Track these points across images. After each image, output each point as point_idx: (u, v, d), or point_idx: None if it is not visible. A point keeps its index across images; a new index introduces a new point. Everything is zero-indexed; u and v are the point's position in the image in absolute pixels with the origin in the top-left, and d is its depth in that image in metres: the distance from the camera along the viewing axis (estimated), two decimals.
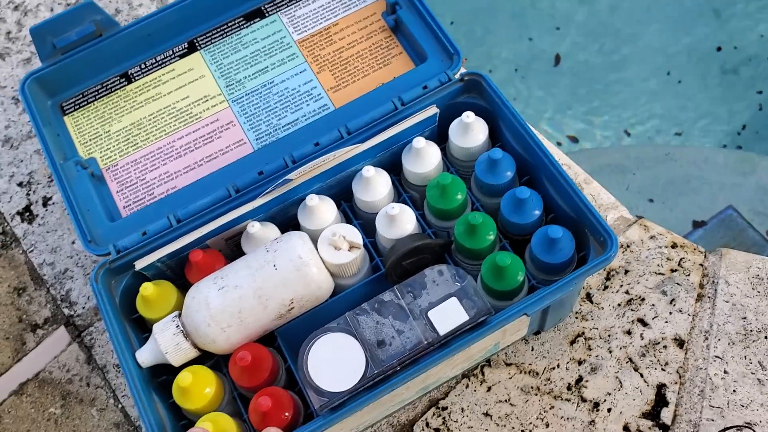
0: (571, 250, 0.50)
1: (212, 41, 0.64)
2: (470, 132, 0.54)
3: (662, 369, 0.56)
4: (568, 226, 0.52)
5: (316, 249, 0.50)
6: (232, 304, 0.47)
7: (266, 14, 0.65)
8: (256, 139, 0.60)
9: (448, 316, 0.46)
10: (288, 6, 0.65)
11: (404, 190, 0.57)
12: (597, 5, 1.63)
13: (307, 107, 0.61)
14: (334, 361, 0.45)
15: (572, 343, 0.57)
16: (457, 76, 0.56)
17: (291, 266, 0.48)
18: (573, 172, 0.64)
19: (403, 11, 0.61)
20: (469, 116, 0.54)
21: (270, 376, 0.48)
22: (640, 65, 1.55)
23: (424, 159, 0.54)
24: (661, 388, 0.55)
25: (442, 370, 0.53)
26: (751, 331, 0.56)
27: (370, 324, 0.46)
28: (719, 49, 1.54)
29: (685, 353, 0.56)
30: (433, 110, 0.54)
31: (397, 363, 0.45)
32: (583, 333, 0.58)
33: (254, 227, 0.52)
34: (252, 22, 0.65)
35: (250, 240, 0.52)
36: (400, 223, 0.51)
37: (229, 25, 0.65)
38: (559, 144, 1.48)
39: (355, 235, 0.51)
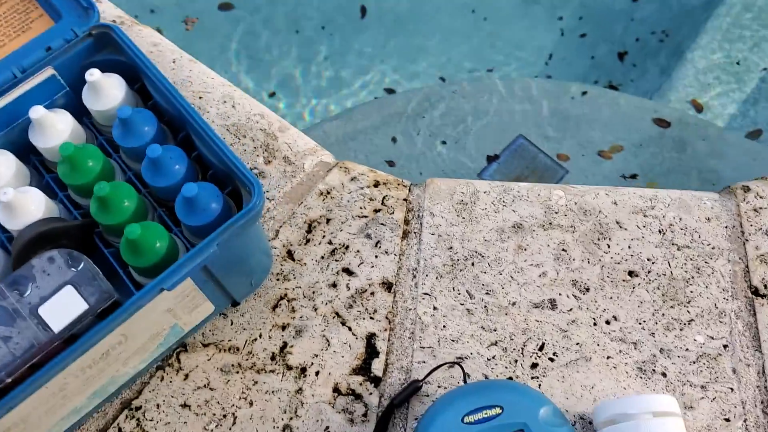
0: (218, 208, 0.44)
1: None
2: (102, 92, 0.47)
3: (371, 318, 0.51)
4: (224, 182, 0.46)
5: None
6: None
7: None
8: None
9: (64, 308, 0.39)
10: None
11: (47, 171, 0.49)
12: None
13: None
14: None
15: (274, 308, 0.52)
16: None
17: None
18: (267, 121, 0.58)
19: None
20: (92, 74, 0.46)
21: None
22: (444, 7, 1.53)
23: (49, 130, 0.46)
24: (370, 338, 0.51)
25: (113, 368, 0.46)
26: (458, 260, 0.53)
27: None
28: None
29: (394, 296, 0.52)
30: (49, 72, 0.47)
31: (6, 375, 0.38)
32: (285, 295, 0.52)
33: None
34: None
35: None
36: (21, 209, 0.44)
37: None
38: (376, 98, 1.44)
39: None
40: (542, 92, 1.21)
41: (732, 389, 0.47)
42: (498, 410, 0.43)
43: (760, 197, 0.53)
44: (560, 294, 0.51)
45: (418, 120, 1.19)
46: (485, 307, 0.51)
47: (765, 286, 0.50)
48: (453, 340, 0.50)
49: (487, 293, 0.52)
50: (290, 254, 0.54)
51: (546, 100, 1.19)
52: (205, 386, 0.50)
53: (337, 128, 1.17)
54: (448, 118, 1.19)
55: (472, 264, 0.53)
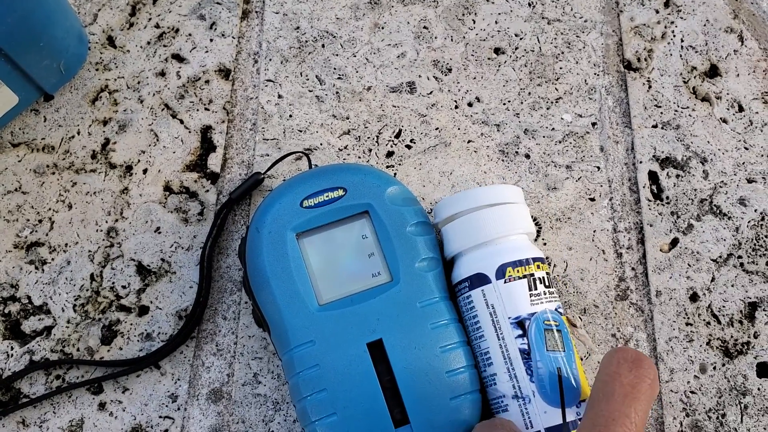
0: None
1: None
2: None
3: (206, 109, 0.45)
4: None
5: None
6: None
7: None
8: None
9: None
10: None
11: None
12: None
13: None
14: None
15: (94, 101, 0.45)
16: None
17: None
18: None
19: None
20: None
21: None
22: None
23: None
24: (206, 131, 0.45)
25: None
26: (306, 42, 0.47)
27: None
28: None
29: (232, 84, 0.46)
30: None
31: None
32: (106, 86, 0.45)
33: None
34: None
35: None
36: None
37: None
38: None
39: None
40: None
41: (599, 168, 0.44)
42: (341, 192, 0.38)
43: None
44: (420, 76, 0.46)
45: None
46: (337, 93, 0.46)
47: (638, 59, 0.46)
48: (300, 131, 0.45)
49: (339, 78, 0.46)
50: (111, 41, 0.46)
51: None
52: (16, 190, 0.43)
53: None
54: None
55: (323, 46, 0.46)
